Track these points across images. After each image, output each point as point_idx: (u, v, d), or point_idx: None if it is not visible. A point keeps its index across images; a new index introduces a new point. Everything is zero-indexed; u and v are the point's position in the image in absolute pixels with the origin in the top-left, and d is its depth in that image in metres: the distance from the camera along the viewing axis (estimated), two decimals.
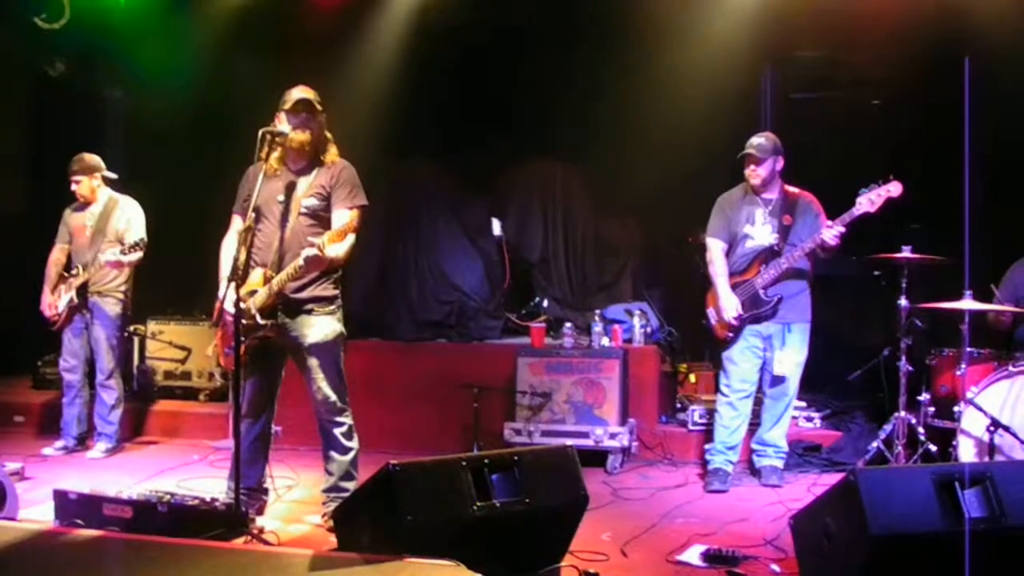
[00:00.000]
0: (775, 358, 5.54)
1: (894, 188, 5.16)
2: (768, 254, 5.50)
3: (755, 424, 5.81)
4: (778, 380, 5.57)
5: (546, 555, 4.05)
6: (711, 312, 5.66)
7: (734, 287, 5.54)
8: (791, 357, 5.53)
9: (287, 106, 4.57)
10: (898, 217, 5.52)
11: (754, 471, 5.78)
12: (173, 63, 7.82)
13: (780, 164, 5.52)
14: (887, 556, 3.38)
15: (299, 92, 4.60)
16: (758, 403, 5.77)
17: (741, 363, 5.58)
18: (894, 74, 7.09)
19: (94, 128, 8.78)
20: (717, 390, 5.82)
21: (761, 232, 5.53)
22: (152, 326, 7.59)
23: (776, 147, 5.50)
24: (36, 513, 4.72)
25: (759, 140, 5.50)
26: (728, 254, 5.63)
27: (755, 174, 5.50)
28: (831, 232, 5.22)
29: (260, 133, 4.53)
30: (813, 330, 5.59)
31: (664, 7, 7.06)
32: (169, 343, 7.52)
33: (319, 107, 4.62)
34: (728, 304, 5.50)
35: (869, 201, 5.17)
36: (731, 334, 5.56)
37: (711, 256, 5.65)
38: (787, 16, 6.90)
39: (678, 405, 6.79)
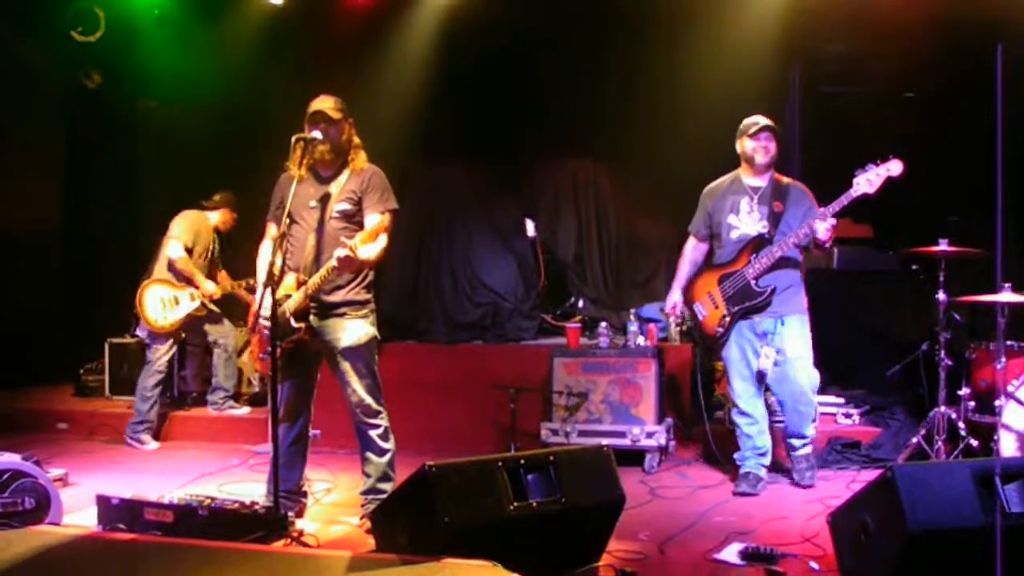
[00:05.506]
0: (766, 353, 5.26)
1: (894, 167, 4.88)
2: (757, 242, 5.27)
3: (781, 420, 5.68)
4: (781, 377, 5.31)
5: (583, 555, 4.05)
6: (698, 307, 5.47)
7: (723, 278, 5.34)
8: (789, 350, 5.26)
9: (307, 118, 4.64)
10: (935, 210, 5.43)
11: (786, 469, 5.65)
12: (206, 72, 7.93)
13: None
14: (925, 552, 3.35)
15: (316, 103, 4.64)
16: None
17: (736, 360, 5.38)
18: (925, 66, 6.99)
19: (129, 138, 8.91)
20: None
21: (747, 221, 5.33)
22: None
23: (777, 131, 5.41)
24: (79, 518, 4.78)
25: (767, 120, 5.34)
26: (717, 247, 5.48)
27: (768, 151, 5.30)
28: (823, 225, 4.96)
29: (293, 139, 4.60)
30: (853, 326, 5.47)
31: (693, 4, 7.05)
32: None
33: (338, 114, 4.64)
34: (668, 300, 5.62)
35: (868, 181, 4.90)
36: (721, 329, 5.34)
37: (683, 249, 5.67)
38: (815, 10, 6.85)
39: (715, 404, 6.73)
